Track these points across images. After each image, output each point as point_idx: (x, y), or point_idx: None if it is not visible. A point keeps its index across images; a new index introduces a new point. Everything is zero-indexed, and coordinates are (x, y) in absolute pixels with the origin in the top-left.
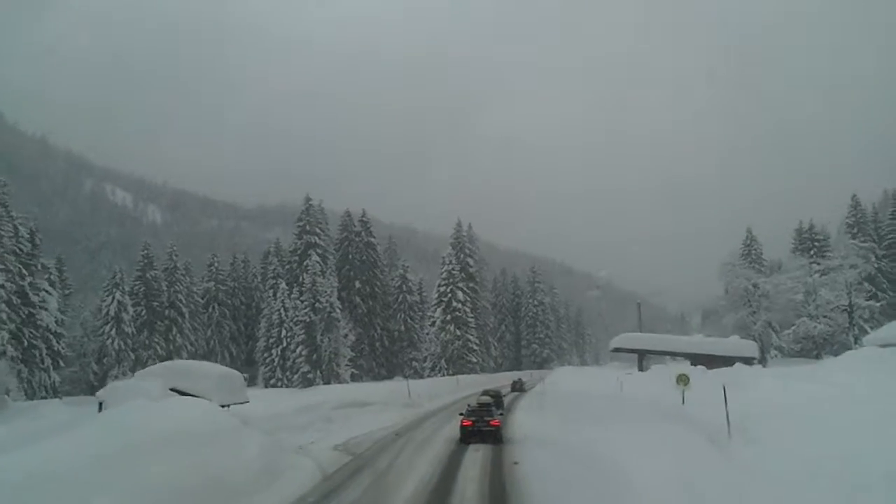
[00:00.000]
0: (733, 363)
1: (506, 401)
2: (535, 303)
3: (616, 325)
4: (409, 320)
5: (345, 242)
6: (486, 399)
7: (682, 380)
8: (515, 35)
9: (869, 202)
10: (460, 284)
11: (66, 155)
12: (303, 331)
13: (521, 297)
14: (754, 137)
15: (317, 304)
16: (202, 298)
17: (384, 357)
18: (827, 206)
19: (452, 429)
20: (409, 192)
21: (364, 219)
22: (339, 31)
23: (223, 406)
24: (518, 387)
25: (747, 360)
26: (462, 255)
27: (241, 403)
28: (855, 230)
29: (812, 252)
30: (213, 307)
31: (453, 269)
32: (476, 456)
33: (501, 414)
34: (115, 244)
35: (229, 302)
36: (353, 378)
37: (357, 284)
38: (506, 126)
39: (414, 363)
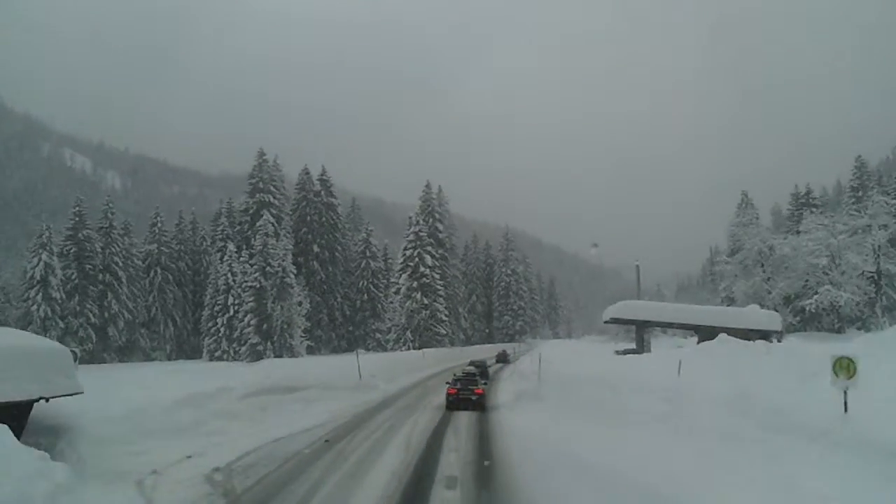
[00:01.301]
0: (752, 338)
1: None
2: (508, 272)
3: (587, 299)
4: (372, 288)
5: (302, 203)
6: (472, 369)
7: (844, 368)
8: (492, 7)
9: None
10: (428, 248)
11: (24, 118)
12: (252, 298)
13: (493, 266)
14: (731, 112)
15: (268, 269)
16: (143, 262)
17: (345, 328)
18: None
19: (415, 428)
20: (379, 163)
21: (324, 177)
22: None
23: (31, 401)
24: (503, 358)
25: (767, 335)
26: (431, 220)
27: (70, 395)
28: (860, 193)
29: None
30: (156, 271)
31: (421, 230)
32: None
33: (486, 384)
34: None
35: (173, 266)
36: (310, 351)
37: (315, 248)
38: (480, 100)
39: (377, 335)
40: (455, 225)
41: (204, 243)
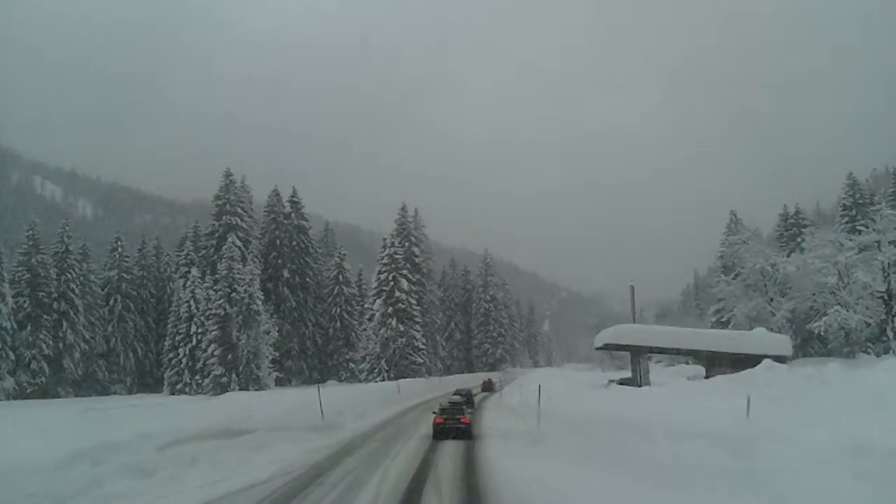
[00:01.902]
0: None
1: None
2: (488, 298)
3: (565, 327)
4: (346, 316)
5: (271, 226)
6: (458, 398)
7: None
8: (469, 31)
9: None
10: (404, 272)
11: None
12: (216, 326)
13: (471, 292)
14: (706, 137)
15: (233, 295)
16: (102, 289)
17: (317, 358)
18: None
19: (385, 481)
20: (354, 190)
21: (294, 198)
22: (283, 21)
23: None
24: (488, 387)
25: (778, 359)
26: (407, 244)
27: None
28: (853, 211)
29: (800, 240)
30: (115, 299)
31: (396, 252)
32: None
33: (471, 412)
34: (37, 239)
35: (135, 294)
36: (279, 383)
37: (285, 274)
38: (458, 126)
39: (351, 365)
40: (432, 249)
41: (168, 269)
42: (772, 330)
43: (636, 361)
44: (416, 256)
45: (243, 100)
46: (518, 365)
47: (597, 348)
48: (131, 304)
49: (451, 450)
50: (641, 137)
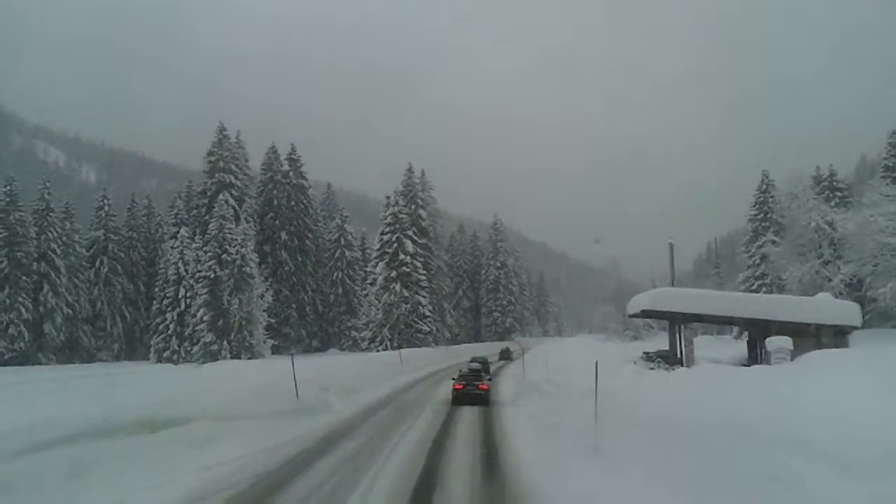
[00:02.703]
0: (823, 336)
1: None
2: (498, 265)
3: (574, 297)
4: (347, 281)
5: (268, 185)
6: (476, 365)
7: None
8: (468, 6)
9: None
10: (409, 233)
11: None
12: (206, 289)
13: (481, 259)
14: (719, 109)
15: (224, 256)
16: (87, 250)
17: (317, 325)
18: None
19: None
20: (361, 158)
21: (293, 156)
22: None
23: None
24: (506, 355)
25: (843, 331)
26: (413, 206)
27: None
28: None
29: (834, 203)
30: (102, 261)
31: (400, 211)
32: None
33: (490, 379)
34: (15, 195)
35: (124, 256)
36: (276, 351)
37: (283, 236)
38: (465, 96)
39: (353, 333)
40: (439, 212)
41: (160, 231)
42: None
43: (674, 331)
44: (423, 220)
45: (249, 72)
46: (527, 335)
47: (630, 315)
48: (119, 267)
49: (469, 452)
50: (653, 111)
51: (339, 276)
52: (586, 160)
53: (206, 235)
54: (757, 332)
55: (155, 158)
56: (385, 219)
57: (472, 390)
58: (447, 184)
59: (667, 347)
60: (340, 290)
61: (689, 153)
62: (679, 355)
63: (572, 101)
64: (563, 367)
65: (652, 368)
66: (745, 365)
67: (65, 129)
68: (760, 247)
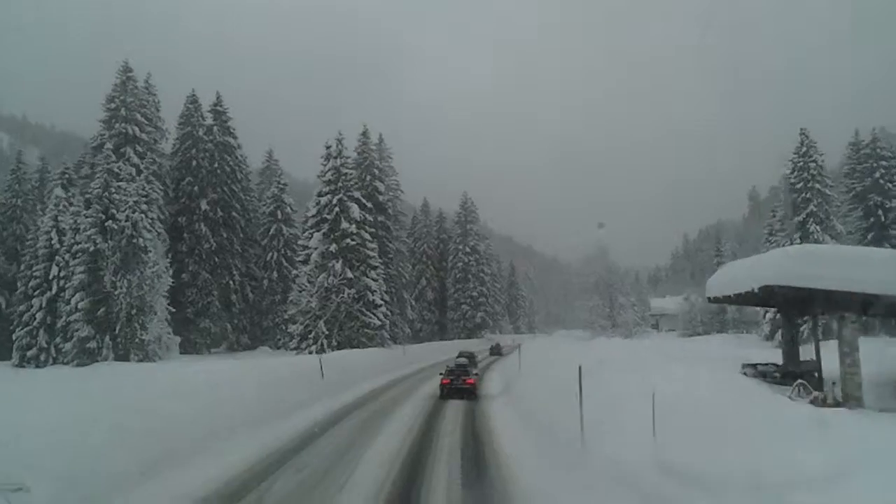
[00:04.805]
0: None
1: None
2: (467, 250)
3: (543, 291)
4: (284, 263)
5: (186, 142)
6: (463, 360)
7: None
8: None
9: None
10: (356, 194)
11: None
12: (83, 267)
13: (448, 243)
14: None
15: (110, 224)
16: None
17: (247, 317)
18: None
19: None
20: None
21: (219, 107)
22: None
23: None
24: (496, 351)
25: None
26: (369, 177)
27: None
28: None
29: (879, 175)
30: None
31: (344, 165)
32: None
33: (476, 374)
34: None
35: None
36: (191, 350)
37: (203, 206)
38: (432, 87)
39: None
40: (400, 187)
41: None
42: None
43: (790, 328)
44: (380, 193)
45: (217, 62)
46: (498, 331)
47: (720, 300)
48: None
49: None
50: (615, 106)
51: (275, 256)
52: (552, 154)
53: (87, 195)
54: None
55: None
56: (324, 175)
57: (459, 385)
58: (410, 177)
59: (807, 364)
60: (276, 274)
61: (665, 146)
62: (818, 373)
63: (535, 95)
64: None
65: (794, 400)
66: None
67: (11, 111)
68: (803, 222)
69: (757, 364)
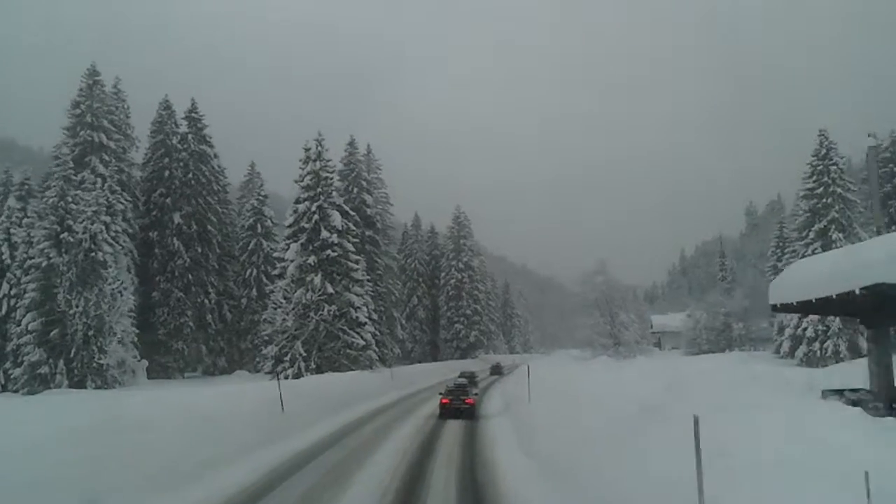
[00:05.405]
0: None
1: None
2: (461, 266)
3: (539, 311)
4: (265, 280)
5: (158, 151)
6: (463, 381)
7: None
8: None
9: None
10: (338, 200)
11: None
12: (35, 284)
13: (440, 259)
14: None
15: (65, 236)
16: None
17: (224, 339)
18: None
19: None
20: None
21: (194, 114)
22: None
23: None
24: (497, 370)
25: None
26: (356, 190)
27: None
28: None
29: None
30: None
31: (324, 168)
32: None
33: (476, 394)
34: None
35: None
36: (159, 374)
37: (176, 219)
38: (427, 106)
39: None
40: (389, 200)
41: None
42: None
43: (882, 343)
44: (368, 206)
45: (206, 76)
46: (493, 351)
47: (784, 309)
48: None
49: None
50: (606, 128)
51: (254, 273)
52: (546, 175)
53: (41, 205)
54: None
55: (47, 151)
56: (301, 180)
57: (459, 404)
58: (399, 194)
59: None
60: (255, 292)
61: (659, 165)
62: None
63: (531, 114)
64: None
65: None
66: None
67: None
68: (824, 229)
69: (844, 390)
